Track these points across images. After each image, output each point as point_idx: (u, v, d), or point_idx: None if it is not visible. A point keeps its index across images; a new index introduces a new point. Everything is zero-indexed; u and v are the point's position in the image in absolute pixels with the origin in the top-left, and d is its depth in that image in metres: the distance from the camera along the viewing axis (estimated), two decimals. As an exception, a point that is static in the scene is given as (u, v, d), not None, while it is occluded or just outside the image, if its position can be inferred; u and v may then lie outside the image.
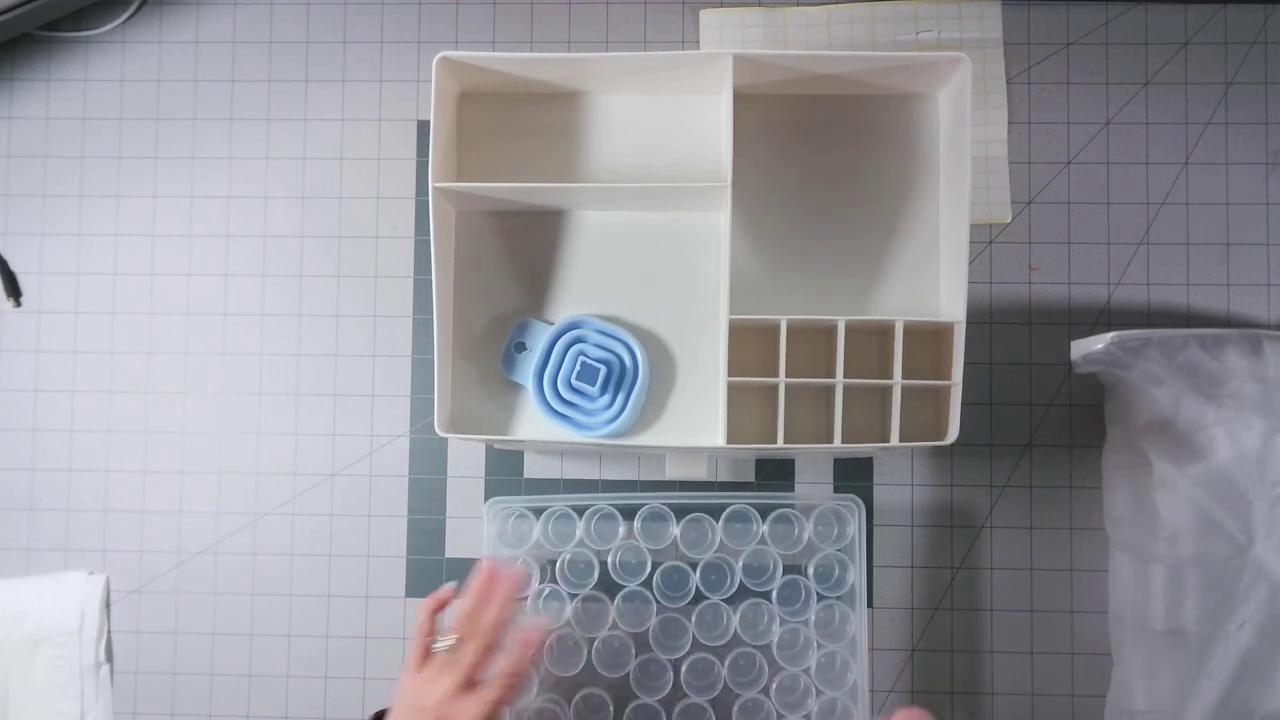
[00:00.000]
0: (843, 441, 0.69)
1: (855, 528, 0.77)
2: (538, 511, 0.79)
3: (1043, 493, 0.81)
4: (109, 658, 0.82)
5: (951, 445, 0.69)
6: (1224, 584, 0.73)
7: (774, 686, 0.77)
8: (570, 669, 0.78)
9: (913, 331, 0.70)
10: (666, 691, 0.77)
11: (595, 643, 0.78)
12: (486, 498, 0.82)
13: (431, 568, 0.82)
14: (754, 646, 0.78)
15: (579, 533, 0.79)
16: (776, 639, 0.77)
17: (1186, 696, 0.73)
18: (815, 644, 0.77)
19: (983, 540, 0.81)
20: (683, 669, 0.78)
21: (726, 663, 0.77)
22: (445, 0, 0.84)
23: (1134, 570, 0.75)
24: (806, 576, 0.78)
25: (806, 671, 0.77)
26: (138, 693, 0.83)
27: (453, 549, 0.82)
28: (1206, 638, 0.73)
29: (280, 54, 0.85)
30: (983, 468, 0.81)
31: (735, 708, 0.77)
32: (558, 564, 0.79)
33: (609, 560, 0.79)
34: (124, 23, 0.85)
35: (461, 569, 0.81)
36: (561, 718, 0.77)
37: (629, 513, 0.78)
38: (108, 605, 0.83)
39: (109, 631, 0.82)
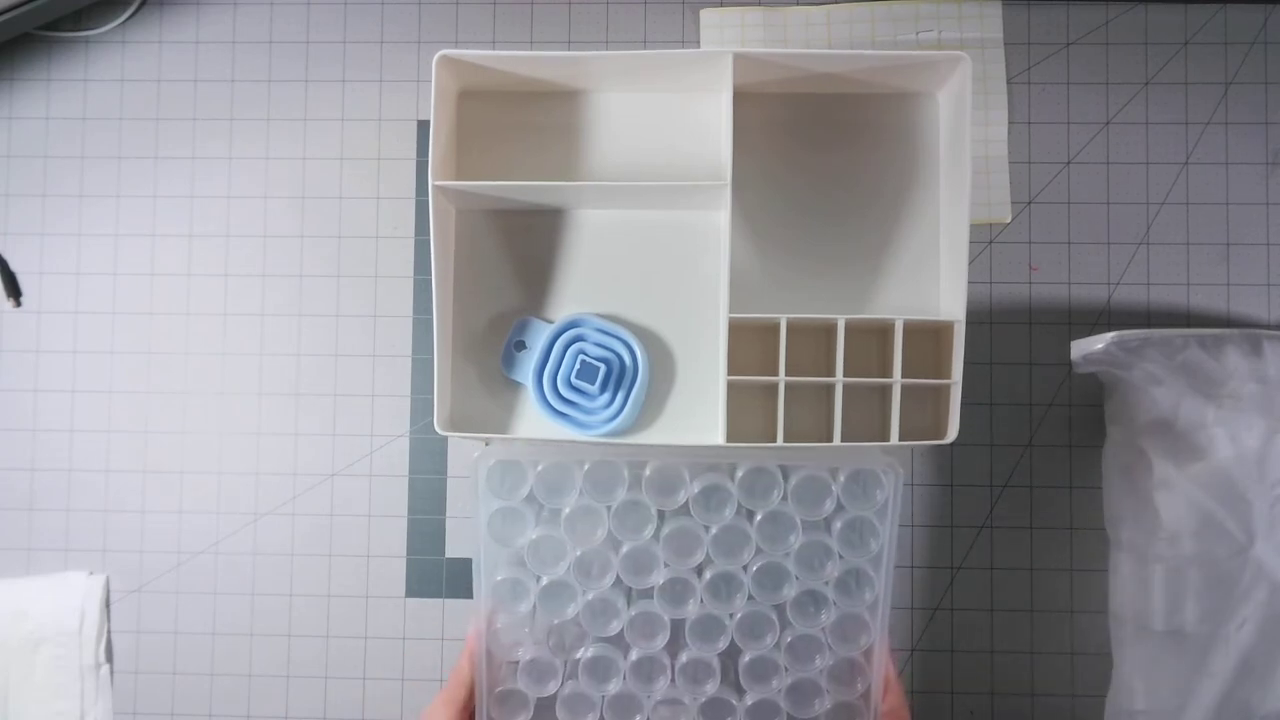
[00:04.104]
0: (842, 440, 0.69)
1: (891, 491, 0.68)
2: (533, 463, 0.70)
3: (1043, 493, 0.81)
4: (109, 658, 0.82)
5: (951, 445, 0.69)
6: (1224, 584, 0.73)
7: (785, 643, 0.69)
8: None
9: (912, 330, 0.70)
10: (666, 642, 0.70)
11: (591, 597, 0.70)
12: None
13: (431, 568, 0.82)
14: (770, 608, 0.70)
15: (578, 483, 0.70)
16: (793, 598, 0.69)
17: (1186, 696, 0.73)
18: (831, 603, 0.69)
19: (983, 540, 0.81)
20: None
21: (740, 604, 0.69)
22: (445, 0, 0.84)
23: (1134, 570, 0.75)
24: (830, 535, 0.69)
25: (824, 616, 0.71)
26: (138, 693, 0.83)
27: (453, 549, 0.82)
28: (1206, 638, 0.73)
29: (280, 54, 0.85)
30: (983, 468, 0.81)
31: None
32: (562, 514, 0.70)
33: (611, 508, 0.70)
34: (124, 23, 0.85)
35: (462, 569, 0.82)
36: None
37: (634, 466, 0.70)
38: (108, 605, 0.83)
39: (109, 631, 0.82)
